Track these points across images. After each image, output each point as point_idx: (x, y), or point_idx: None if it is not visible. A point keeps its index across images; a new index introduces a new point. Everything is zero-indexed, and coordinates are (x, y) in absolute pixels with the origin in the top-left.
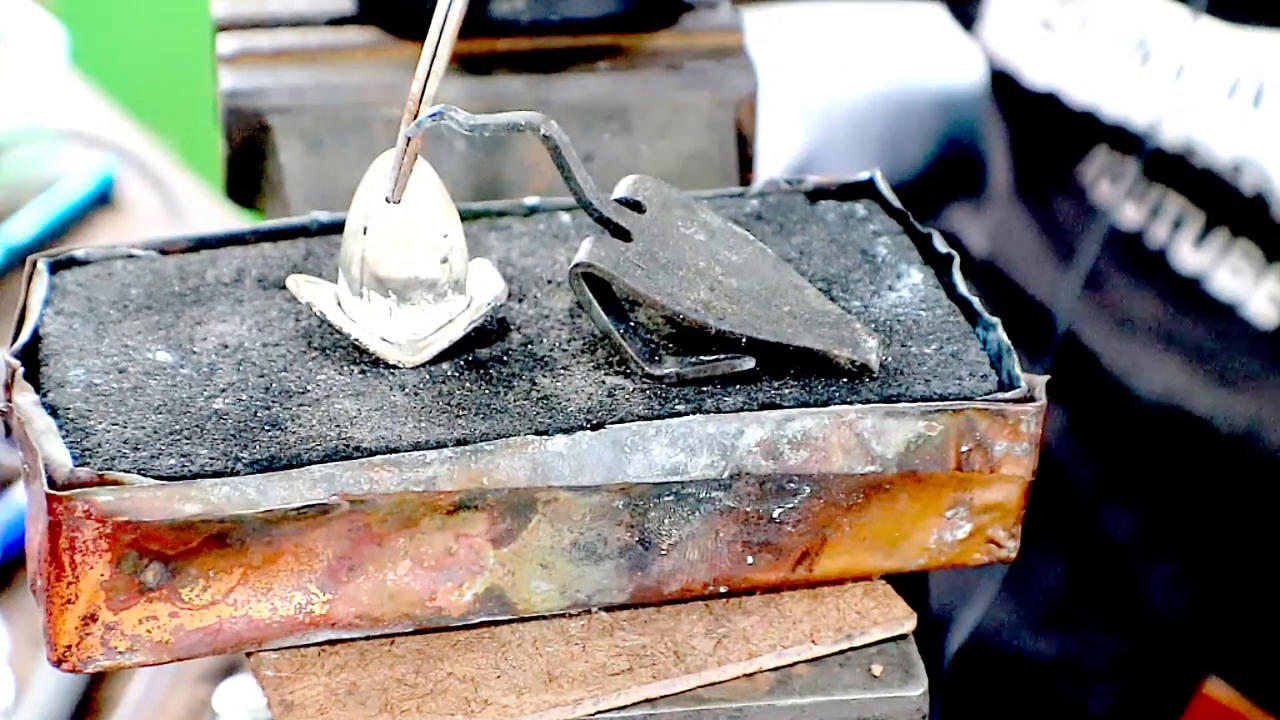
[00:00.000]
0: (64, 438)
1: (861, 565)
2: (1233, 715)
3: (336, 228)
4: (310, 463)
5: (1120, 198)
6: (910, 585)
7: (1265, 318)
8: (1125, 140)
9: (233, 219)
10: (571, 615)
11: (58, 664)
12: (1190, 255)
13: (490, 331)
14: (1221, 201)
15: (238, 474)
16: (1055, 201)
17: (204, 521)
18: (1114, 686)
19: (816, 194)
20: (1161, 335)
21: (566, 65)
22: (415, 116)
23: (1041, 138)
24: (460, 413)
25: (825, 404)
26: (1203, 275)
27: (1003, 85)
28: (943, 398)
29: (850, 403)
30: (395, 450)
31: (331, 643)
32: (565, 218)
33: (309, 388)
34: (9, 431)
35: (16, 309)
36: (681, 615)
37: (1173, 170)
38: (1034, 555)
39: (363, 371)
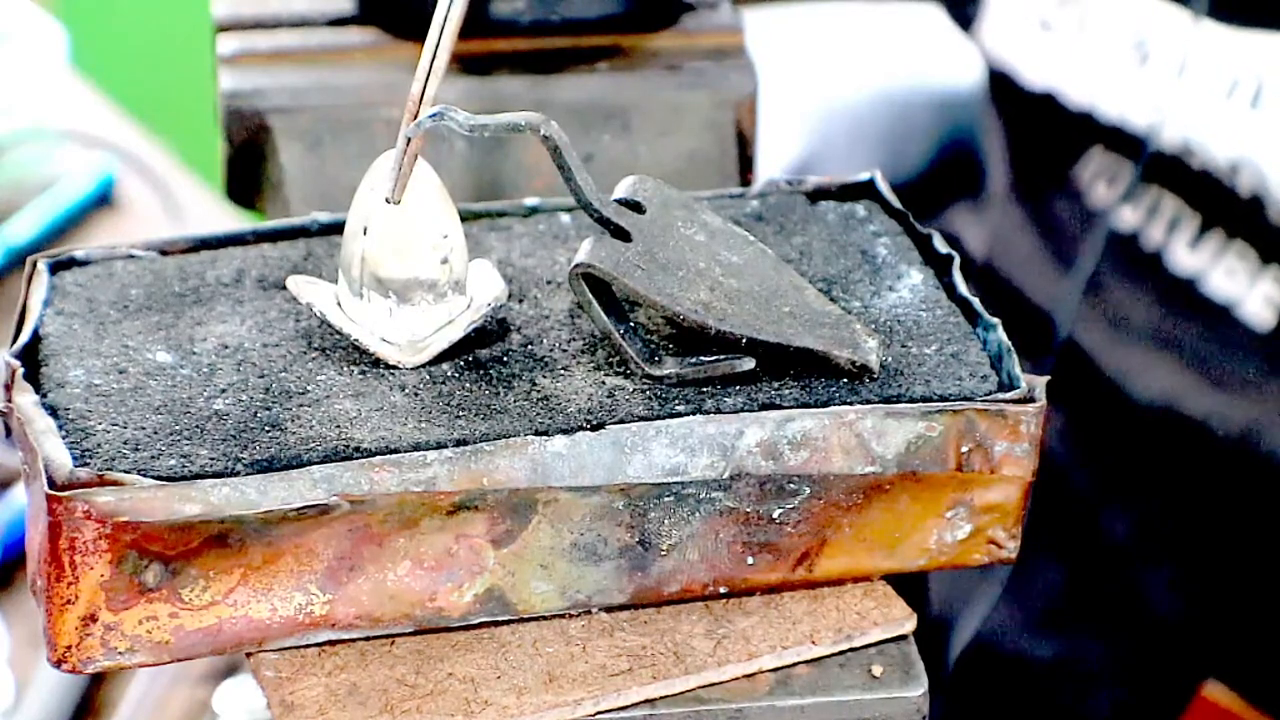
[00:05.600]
0: (64, 438)
1: (861, 566)
2: (1231, 718)
3: (336, 228)
4: (310, 463)
5: (1117, 199)
6: (910, 586)
7: (1261, 319)
8: (1123, 141)
9: (233, 219)
10: (571, 616)
11: (58, 664)
12: (1186, 256)
13: (490, 332)
14: (1218, 203)
15: (238, 474)
16: (1052, 203)
17: (204, 522)
18: (1112, 689)
19: (816, 194)
20: (1158, 337)
21: (566, 65)
22: (415, 116)
23: (1039, 138)
24: (460, 413)
25: (825, 404)
26: (1198, 276)
27: (1001, 86)
28: (943, 398)
29: (850, 403)
30: (395, 451)
31: (331, 643)
32: (565, 218)
33: (309, 388)
34: (9, 432)
35: (16, 309)
36: (681, 616)
37: (1169, 171)
38: (1032, 558)
39: (363, 372)
